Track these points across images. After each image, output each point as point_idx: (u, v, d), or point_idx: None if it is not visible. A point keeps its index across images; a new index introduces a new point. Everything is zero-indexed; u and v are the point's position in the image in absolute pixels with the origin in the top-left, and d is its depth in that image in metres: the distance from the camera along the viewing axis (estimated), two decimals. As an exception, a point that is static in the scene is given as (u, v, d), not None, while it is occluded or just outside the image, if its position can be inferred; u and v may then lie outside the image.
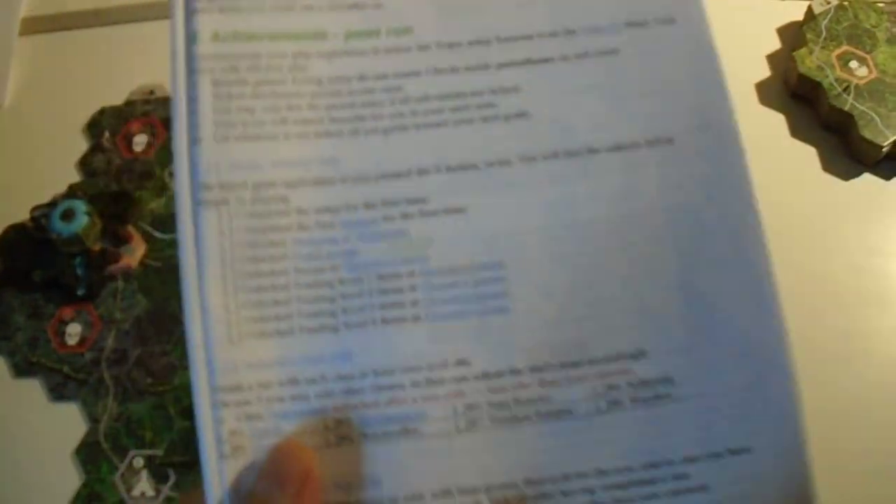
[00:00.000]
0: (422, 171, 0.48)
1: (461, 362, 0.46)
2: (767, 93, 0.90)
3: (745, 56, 0.93)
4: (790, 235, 0.81)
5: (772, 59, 0.93)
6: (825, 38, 0.89)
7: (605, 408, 0.46)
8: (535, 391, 0.46)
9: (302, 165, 0.47)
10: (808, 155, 0.87)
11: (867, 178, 0.86)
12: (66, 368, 0.76)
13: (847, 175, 0.86)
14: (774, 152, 0.87)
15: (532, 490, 0.45)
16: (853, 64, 0.87)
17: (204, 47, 0.48)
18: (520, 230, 0.48)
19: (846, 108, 0.84)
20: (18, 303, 0.79)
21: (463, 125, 0.49)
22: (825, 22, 0.90)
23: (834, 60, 0.87)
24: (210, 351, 0.44)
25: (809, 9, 0.92)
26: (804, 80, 0.87)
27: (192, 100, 0.47)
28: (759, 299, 0.47)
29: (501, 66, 0.50)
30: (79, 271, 0.78)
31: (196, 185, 0.46)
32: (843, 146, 0.87)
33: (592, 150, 0.48)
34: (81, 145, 0.88)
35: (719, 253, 0.47)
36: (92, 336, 0.77)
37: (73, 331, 0.78)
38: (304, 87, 0.49)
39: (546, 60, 0.50)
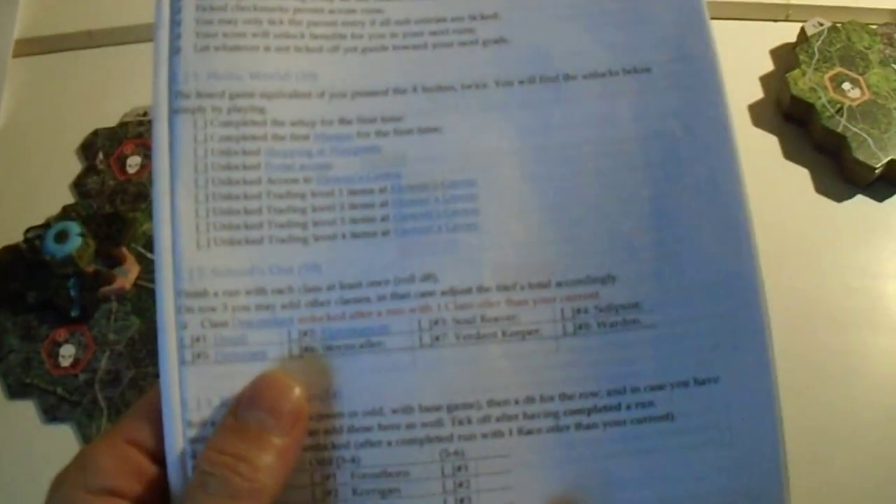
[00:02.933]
0: (398, 91, 0.48)
1: (428, 277, 0.46)
2: (760, 114, 0.90)
3: (739, 78, 0.93)
4: (783, 256, 0.82)
5: (765, 80, 0.93)
6: (818, 60, 0.89)
7: (571, 330, 0.46)
8: (502, 310, 0.46)
9: (280, 78, 0.48)
10: (800, 176, 0.87)
11: (860, 200, 0.86)
12: (59, 390, 0.76)
13: (840, 196, 0.86)
14: (767, 174, 0.87)
15: (495, 411, 0.45)
16: (846, 85, 0.87)
17: None
18: (494, 151, 0.48)
19: (839, 129, 0.84)
20: (12, 324, 0.79)
21: (441, 48, 0.49)
22: (818, 44, 0.90)
23: (827, 82, 0.87)
24: (177, 255, 0.45)
25: (802, 30, 0.92)
26: (797, 101, 0.87)
27: (175, 10, 0.48)
28: (731, 231, 0.47)
29: None
30: (72, 293, 0.78)
31: (174, 94, 0.47)
32: (836, 168, 0.87)
33: (569, 77, 0.49)
34: (75, 167, 0.88)
35: (694, 183, 0.47)
36: (86, 357, 0.77)
37: (67, 352, 0.78)
38: (287, 2, 0.49)
39: None
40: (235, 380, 0.44)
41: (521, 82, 0.49)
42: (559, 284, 0.46)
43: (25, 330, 0.79)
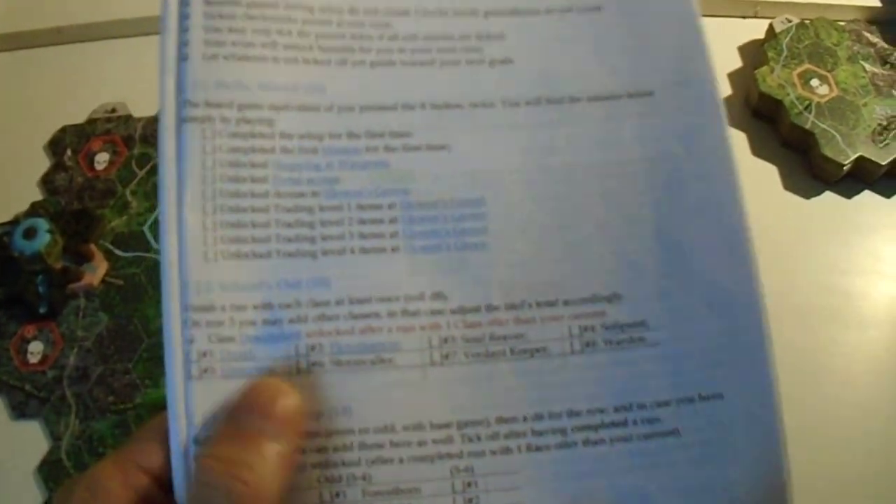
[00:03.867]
0: (407, 106, 0.48)
1: (437, 295, 0.46)
2: (728, 111, 0.89)
3: (707, 74, 0.93)
4: (752, 253, 0.82)
5: (733, 77, 0.94)
6: (786, 57, 0.89)
7: (579, 348, 0.46)
8: (511, 328, 0.46)
9: (289, 90, 0.47)
10: (769, 173, 0.88)
11: (828, 196, 0.86)
12: (27, 386, 0.76)
13: (808, 193, 0.86)
14: (736, 170, 0.87)
15: (504, 428, 0.45)
16: (814, 82, 0.88)
17: None
18: (501, 169, 0.48)
19: (807, 126, 0.85)
20: (-20, 321, 0.79)
21: (449, 66, 0.49)
22: (786, 40, 0.90)
23: (795, 79, 0.88)
24: (184, 269, 0.44)
25: (771, 27, 0.93)
26: (765, 98, 0.88)
27: (184, 17, 0.47)
28: (733, 250, 0.47)
29: (488, 13, 0.51)
30: (41, 289, 0.78)
31: (181, 102, 0.46)
32: (805, 164, 0.88)
33: (574, 99, 0.49)
34: (44, 163, 0.87)
35: (695, 204, 0.48)
36: (54, 354, 0.77)
37: (35, 349, 0.77)
38: (296, 13, 0.49)
39: (532, 12, 0.51)
40: None
41: (528, 103, 0.49)
42: (566, 303, 0.47)
43: (-7, 326, 0.79)
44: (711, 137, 0.49)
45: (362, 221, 0.47)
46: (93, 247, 0.80)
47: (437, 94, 0.49)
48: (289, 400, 0.43)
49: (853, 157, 0.83)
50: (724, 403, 0.46)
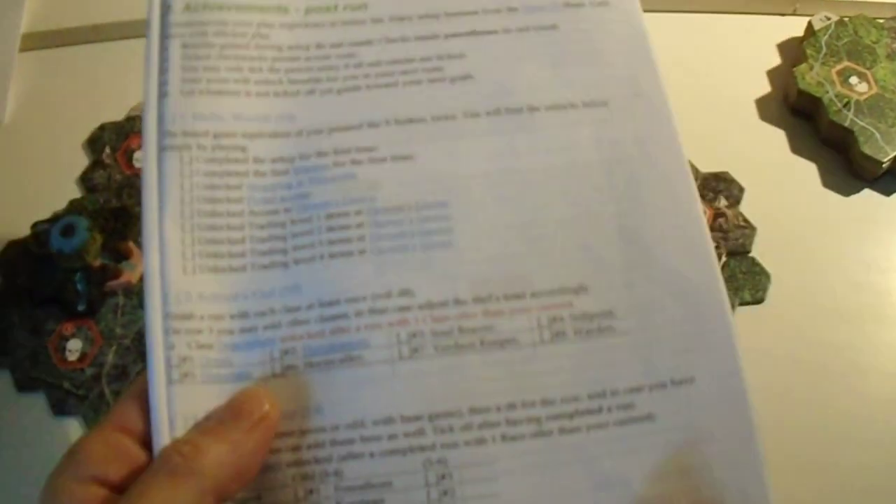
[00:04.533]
0: (372, 124, 0.51)
1: (405, 292, 0.48)
2: (767, 108, 0.90)
3: (746, 72, 0.93)
4: (789, 251, 0.81)
5: (772, 74, 0.93)
6: (825, 54, 0.89)
7: (548, 338, 0.48)
8: (479, 321, 0.48)
9: (260, 120, 0.50)
10: (807, 171, 0.87)
11: (867, 194, 0.86)
12: (66, 384, 0.76)
13: (847, 191, 0.86)
14: (774, 168, 0.87)
15: (477, 419, 0.46)
16: (853, 80, 0.87)
17: (176, 16, 0.52)
18: (464, 175, 0.50)
19: (846, 123, 0.84)
20: (19, 319, 0.79)
21: (412, 86, 0.52)
22: (825, 38, 0.90)
23: (834, 76, 0.87)
24: (165, 279, 0.47)
25: (809, 25, 0.92)
26: (804, 95, 0.87)
27: (164, 59, 0.51)
28: (691, 241, 0.50)
29: (448, 36, 0.54)
30: (79, 287, 0.78)
31: (162, 133, 0.49)
32: (843, 162, 0.87)
33: (532, 108, 0.52)
34: (82, 161, 0.88)
35: (654, 201, 0.50)
36: (92, 352, 0.77)
37: (74, 347, 0.78)
38: (266, 52, 0.52)
39: (490, 32, 0.54)
40: (222, 399, 0.46)
41: (488, 113, 0.52)
42: (534, 295, 0.48)
43: (32, 324, 0.79)
44: (665, 141, 0.52)
45: (331, 229, 0.49)
46: (131, 244, 0.81)
47: (400, 111, 0.51)
48: (260, 403, 0.45)
49: (892, 154, 0.83)
50: (696, 387, 0.48)
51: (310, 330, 0.47)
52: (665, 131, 0.52)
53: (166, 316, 0.46)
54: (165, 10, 0.52)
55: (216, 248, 0.48)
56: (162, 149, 0.49)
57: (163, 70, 0.51)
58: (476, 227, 0.49)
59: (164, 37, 0.52)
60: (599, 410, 0.47)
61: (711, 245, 0.50)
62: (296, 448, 0.46)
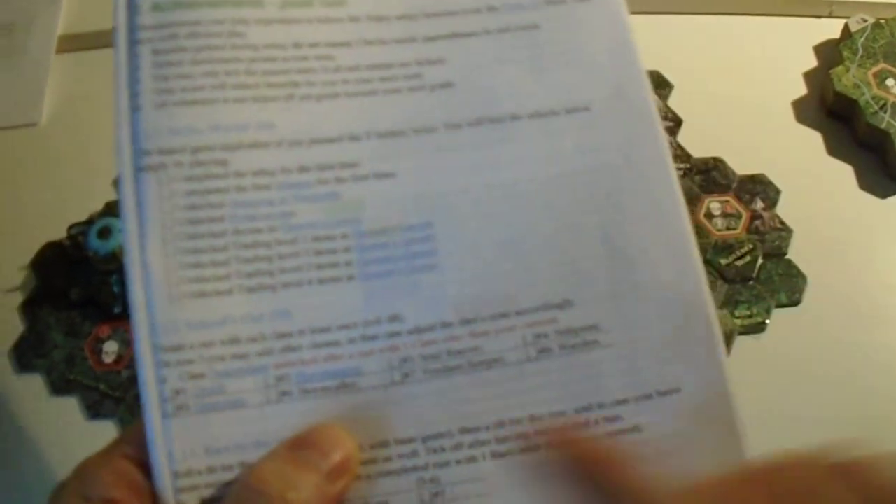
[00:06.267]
0: (353, 137, 0.50)
1: (394, 318, 0.47)
2: (804, 111, 0.90)
3: (782, 74, 0.93)
4: (826, 253, 0.81)
5: (808, 76, 0.93)
6: (862, 56, 0.88)
7: (534, 355, 0.48)
8: (466, 342, 0.48)
9: (239, 129, 0.49)
10: (844, 173, 0.87)
11: (904, 197, 0.85)
12: (102, 386, 0.76)
13: (884, 193, 0.86)
14: (811, 170, 0.86)
15: (467, 438, 0.46)
16: (890, 82, 0.87)
17: (144, 17, 0.50)
18: (446, 192, 0.50)
19: (882, 125, 0.84)
20: (55, 321, 0.79)
21: (391, 94, 0.51)
22: (862, 40, 0.89)
23: (870, 78, 0.87)
24: (152, 311, 0.46)
25: (846, 27, 0.92)
26: (840, 98, 0.87)
27: (134, 69, 0.49)
28: (676, 252, 0.49)
29: (427, 39, 0.53)
30: (115, 289, 0.78)
31: (136, 152, 0.47)
32: (880, 164, 0.87)
33: (515, 117, 0.51)
34: (118, 163, 0.88)
35: (638, 210, 0.50)
36: (129, 354, 0.78)
37: (110, 349, 0.78)
38: (242, 52, 0.50)
39: (470, 34, 0.53)
40: (217, 428, 0.45)
41: (470, 124, 0.51)
42: (519, 313, 0.48)
43: (69, 326, 0.79)
44: (649, 147, 0.51)
45: (318, 252, 0.48)
46: (167, 247, 0.81)
47: (380, 122, 0.51)
48: (346, 447, 0.45)
49: (930, 157, 0.82)
50: (682, 397, 0.48)
51: (303, 357, 0.47)
52: (648, 136, 0.51)
53: (156, 348, 0.45)
54: (133, 10, 0.50)
55: (200, 271, 0.47)
56: (138, 169, 0.47)
57: (133, 81, 0.49)
58: (460, 246, 0.49)
59: (133, 42, 0.50)
60: (587, 424, 0.47)
61: (697, 254, 0.49)
62: None
